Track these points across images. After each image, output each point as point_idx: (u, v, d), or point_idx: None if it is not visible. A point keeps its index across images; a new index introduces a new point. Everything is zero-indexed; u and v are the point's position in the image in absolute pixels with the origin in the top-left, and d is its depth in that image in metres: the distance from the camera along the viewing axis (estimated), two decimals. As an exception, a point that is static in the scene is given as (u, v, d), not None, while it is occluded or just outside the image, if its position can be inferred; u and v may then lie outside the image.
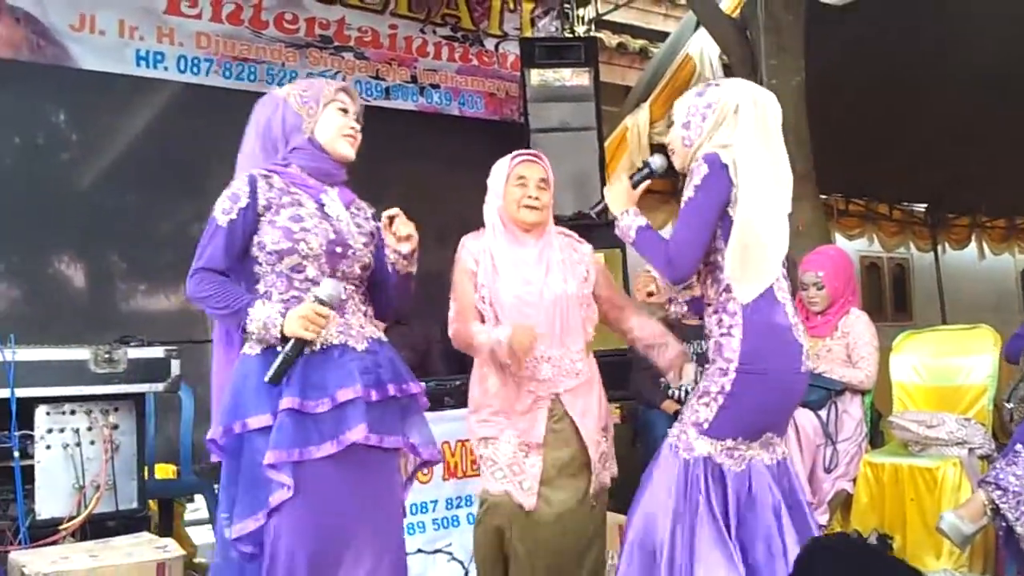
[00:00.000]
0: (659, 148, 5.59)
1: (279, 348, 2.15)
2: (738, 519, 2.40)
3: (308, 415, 2.13)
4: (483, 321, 2.76)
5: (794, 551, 2.31)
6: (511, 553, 2.70)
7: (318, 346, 2.19)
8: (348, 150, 2.34)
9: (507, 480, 2.68)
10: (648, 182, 2.61)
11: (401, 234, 2.28)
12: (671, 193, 5.70)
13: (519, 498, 2.66)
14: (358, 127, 2.36)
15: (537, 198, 2.77)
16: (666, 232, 2.50)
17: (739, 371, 2.39)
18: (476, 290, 2.75)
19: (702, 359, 4.59)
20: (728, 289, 2.42)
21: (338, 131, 2.32)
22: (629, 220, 2.52)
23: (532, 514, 2.66)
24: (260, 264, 2.24)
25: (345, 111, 2.34)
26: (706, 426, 2.41)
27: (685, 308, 2.76)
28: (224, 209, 2.20)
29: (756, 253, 2.39)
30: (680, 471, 2.41)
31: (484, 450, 2.74)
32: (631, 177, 2.59)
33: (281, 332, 2.14)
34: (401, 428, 2.29)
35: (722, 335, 2.44)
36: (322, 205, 2.28)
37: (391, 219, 2.27)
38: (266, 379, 2.12)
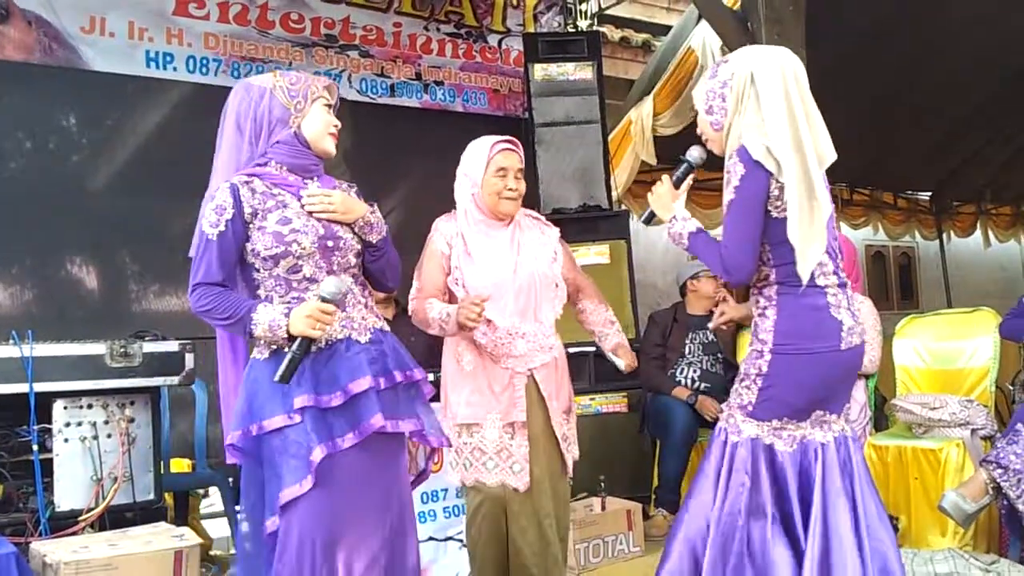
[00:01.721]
0: (662, 141, 5.65)
1: (286, 348, 2.18)
2: (799, 500, 2.37)
3: (325, 410, 2.19)
4: (454, 302, 2.80)
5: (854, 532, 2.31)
6: (509, 534, 2.75)
7: (323, 343, 2.23)
8: (332, 147, 2.37)
9: (499, 469, 2.72)
10: (691, 177, 2.57)
11: (315, 210, 2.28)
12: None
13: (513, 482, 2.71)
14: (339, 124, 2.38)
15: (515, 189, 2.82)
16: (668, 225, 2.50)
17: (773, 352, 2.38)
18: (448, 272, 2.80)
19: (708, 348, 4.66)
20: (766, 277, 2.42)
21: (325, 127, 2.34)
22: (679, 227, 2.50)
23: (526, 493, 2.71)
24: (258, 270, 2.26)
25: (329, 107, 2.37)
26: (751, 408, 2.41)
27: None
28: (212, 223, 2.21)
29: (815, 223, 2.34)
30: (728, 454, 2.42)
31: (469, 438, 2.76)
32: (672, 176, 2.56)
33: (287, 332, 2.17)
34: (412, 412, 2.33)
35: (759, 315, 2.44)
36: (292, 203, 2.28)
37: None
38: (275, 379, 2.14)
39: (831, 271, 2.43)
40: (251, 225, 2.24)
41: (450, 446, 2.57)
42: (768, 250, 2.40)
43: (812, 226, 2.34)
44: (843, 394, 2.51)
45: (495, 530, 2.77)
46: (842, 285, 2.46)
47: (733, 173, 2.36)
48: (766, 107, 2.35)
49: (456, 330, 2.71)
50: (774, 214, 2.36)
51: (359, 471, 2.23)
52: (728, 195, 2.38)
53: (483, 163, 2.82)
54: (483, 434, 2.74)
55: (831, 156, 2.42)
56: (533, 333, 2.78)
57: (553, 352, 2.83)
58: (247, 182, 2.25)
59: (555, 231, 2.99)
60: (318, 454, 2.14)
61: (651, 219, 2.59)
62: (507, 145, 2.85)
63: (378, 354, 2.30)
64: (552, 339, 2.85)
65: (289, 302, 2.24)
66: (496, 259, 2.79)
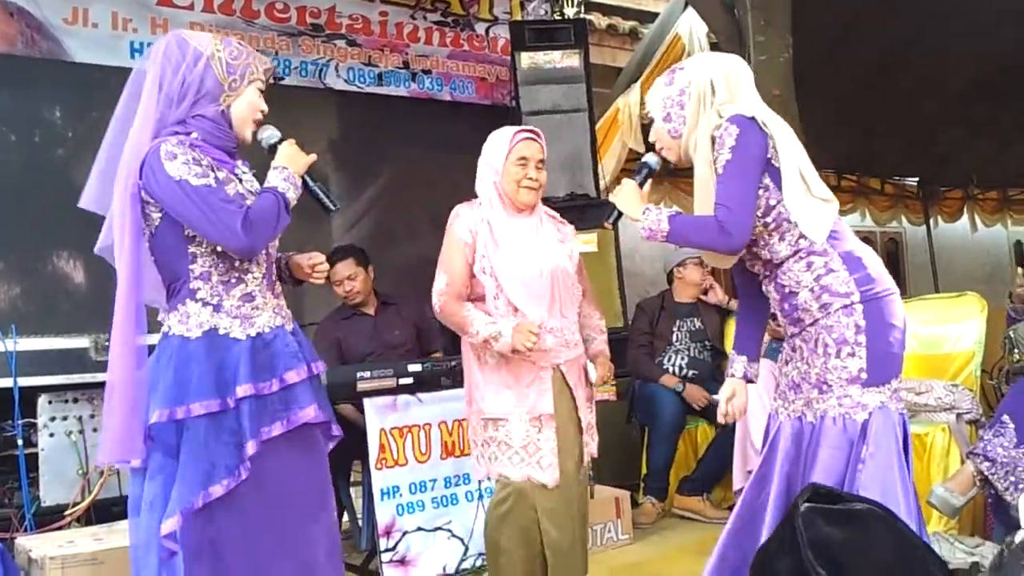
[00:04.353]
0: (650, 129, 5.63)
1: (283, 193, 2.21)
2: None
3: (261, 397, 2.16)
4: (475, 295, 2.77)
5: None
6: (543, 533, 2.68)
7: (266, 330, 2.21)
8: (250, 134, 2.29)
9: (525, 464, 2.67)
10: (650, 180, 2.55)
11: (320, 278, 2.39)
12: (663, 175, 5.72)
13: (540, 478, 2.66)
14: (265, 110, 2.30)
15: (536, 179, 2.80)
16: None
17: (864, 300, 2.27)
18: (474, 261, 2.75)
19: (696, 336, 4.67)
20: (803, 235, 2.33)
21: (251, 114, 2.26)
22: (655, 215, 2.39)
23: (555, 489, 2.66)
24: (200, 244, 2.16)
25: (262, 92, 2.29)
26: (864, 376, 2.27)
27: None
28: (198, 174, 2.09)
29: (817, 188, 2.32)
30: (859, 437, 2.26)
31: (495, 432, 2.71)
32: (634, 178, 2.54)
33: (298, 176, 2.23)
34: (325, 402, 2.33)
35: (821, 276, 2.32)
36: (240, 181, 2.24)
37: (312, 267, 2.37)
38: (333, 210, 2.28)
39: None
40: None
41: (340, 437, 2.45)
42: None
43: (811, 191, 2.31)
44: None
45: (524, 527, 2.69)
46: None
47: (726, 136, 2.31)
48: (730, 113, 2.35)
49: (508, 351, 2.64)
50: None
51: (286, 462, 2.20)
52: (723, 157, 2.30)
53: (504, 152, 2.79)
54: (508, 428, 2.69)
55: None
56: (560, 328, 2.75)
57: (579, 348, 2.82)
58: (192, 149, 2.15)
59: (570, 228, 2.98)
60: (252, 447, 2.10)
61: (619, 217, 2.54)
62: (529, 135, 2.83)
63: (296, 344, 2.29)
64: (576, 334, 2.83)
65: (227, 281, 2.18)
66: (524, 249, 2.77)
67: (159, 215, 2.15)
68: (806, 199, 2.32)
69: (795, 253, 2.36)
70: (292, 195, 2.21)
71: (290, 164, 2.23)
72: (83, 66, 4.50)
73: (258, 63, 2.27)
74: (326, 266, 2.40)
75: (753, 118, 2.32)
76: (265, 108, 2.29)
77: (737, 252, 2.39)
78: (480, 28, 5.84)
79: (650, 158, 2.57)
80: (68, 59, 4.47)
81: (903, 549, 2.08)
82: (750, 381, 2.60)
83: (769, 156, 2.32)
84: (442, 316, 2.80)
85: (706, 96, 2.40)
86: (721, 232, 2.29)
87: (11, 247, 4.26)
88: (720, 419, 2.64)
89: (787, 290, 2.39)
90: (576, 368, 2.80)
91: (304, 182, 2.25)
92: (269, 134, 2.28)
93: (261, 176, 2.31)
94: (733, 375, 2.61)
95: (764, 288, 2.50)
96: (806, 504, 2.10)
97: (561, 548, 2.68)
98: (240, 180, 2.24)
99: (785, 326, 2.47)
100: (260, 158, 2.35)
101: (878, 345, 2.27)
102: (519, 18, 5.81)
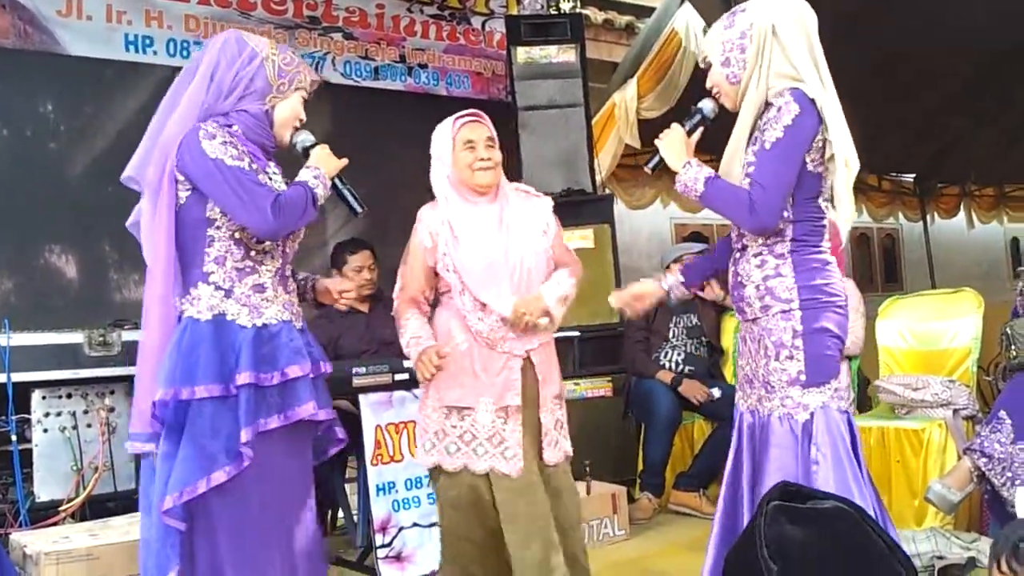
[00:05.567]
0: (646, 124, 5.62)
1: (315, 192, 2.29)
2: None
3: (261, 388, 2.18)
4: (438, 292, 2.74)
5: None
6: (503, 519, 2.61)
7: (274, 322, 2.25)
8: (287, 138, 2.37)
9: (489, 456, 2.60)
10: (701, 129, 2.47)
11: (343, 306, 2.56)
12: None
13: (505, 469, 2.59)
14: (304, 119, 2.40)
15: (489, 158, 2.69)
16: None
17: (803, 307, 2.28)
18: (433, 266, 2.69)
19: (692, 332, 4.66)
20: (780, 232, 2.32)
21: (292, 118, 2.35)
22: (694, 172, 2.36)
23: (518, 479, 2.59)
24: (219, 228, 2.22)
25: (305, 100, 2.39)
26: (804, 378, 2.29)
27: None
28: (233, 155, 2.16)
29: (851, 181, 2.29)
30: (803, 436, 2.28)
31: (459, 422, 2.64)
32: (684, 126, 2.46)
33: (328, 177, 2.32)
34: (328, 402, 2.37)
35: (768, 278, 2.33)
36: (270, 179, 2.30)
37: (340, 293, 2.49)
38: (360, 212, 2.39)
39: (828, 236, 2.39)
40: None
41: (348, 441, 2.48)
42: (792, 205, 2.31)
43: (849, 188, 2.29)
44: None
45: (480, 516, 2.65)
46: None
47: (785, 111, 2.25)
48: (796, 60, 2.29)
49: (416, 367, 2.65)
50: (810, 167, 2.28)
51: (282, 456, 2.23)
52: (774, 133, 2.26)
53: (449, 141, 2.73)
54: (475, 418, 2.62)
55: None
56: None
57: (546, 335, 2.72)
58: (230, 136, 2.23)
59: (547, 201, 2.86)
60: (245, 435, 2.12)
61: (658, 165, 2.48)
62: (470, 118, 2.75)
63: (305, 343, 2.33)
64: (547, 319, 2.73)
65: (241, 268, 2.22)
66: (486, 239, 2.69)
67: (186, 194, 2.21)
68: (849, 187, 2.29)
69: (759, 247, 2.37)
70: (320, 192, 2.30)
71: (322, 166, 2.33)
72: (77, 59, 4.48)
73: (307, 73, 2.38)
74: (353, 293, 2.55)
75: (814, 101, 2.26)
76: (304, 117, 2.38)
77: (762, 233, 2.35)
78: (476, 22, 5.83)
79: (705, 104, 2.47)
80: (62, 52, 4.45)
81: (866, 548, 2.08)
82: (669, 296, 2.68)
83: (812, 148, 2.28)
84: (396, 318, 2.78)
85: (767, 40, 2.32)
86: (751, 211, 2.28)
87: (4, 242, 4.24)
88: (614, 301, 2.68)
89: (739, 279, 2.41)
90: (545, 362, 2.71)
91: (334, 184, 2.35)
92: (304, 137, 2.38)
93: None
94: (660, 281, 2.65)
95: (729, 265, 2.49)
96: (773, 503, 2.11)
97: (519, 542, 2.60)
98: (270, 178, 2.30)
99: (735, 310, 2.49)
100: (291, 166, 2.42)
101: (815, 348, 2.29)
102: (515, 12, 5.79)
